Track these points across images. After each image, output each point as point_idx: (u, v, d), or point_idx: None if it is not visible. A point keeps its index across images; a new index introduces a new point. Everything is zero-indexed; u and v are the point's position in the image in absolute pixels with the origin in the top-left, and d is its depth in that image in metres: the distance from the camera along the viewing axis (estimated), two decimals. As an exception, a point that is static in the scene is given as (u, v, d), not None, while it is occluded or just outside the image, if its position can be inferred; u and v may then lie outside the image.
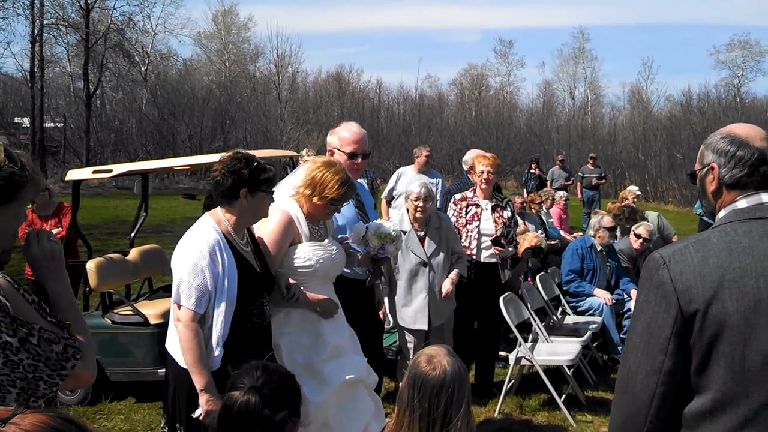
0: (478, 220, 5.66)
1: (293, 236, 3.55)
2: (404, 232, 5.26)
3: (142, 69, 34.65)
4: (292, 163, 7.21)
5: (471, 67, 51.78)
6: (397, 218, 5.48)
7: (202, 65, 41.17)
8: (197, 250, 3.07)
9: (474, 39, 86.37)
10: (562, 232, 10.18)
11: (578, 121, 44.30)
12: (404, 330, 5.29)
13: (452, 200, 5.86)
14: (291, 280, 3.50)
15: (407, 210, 5.35)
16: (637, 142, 34.56)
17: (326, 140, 4.31)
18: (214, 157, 6.42)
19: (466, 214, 5.70)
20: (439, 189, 8.09)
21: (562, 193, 12.88)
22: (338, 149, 4.15)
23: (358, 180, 4.45)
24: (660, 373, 1.79)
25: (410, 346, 5.26)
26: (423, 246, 5.25)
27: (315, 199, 3.51)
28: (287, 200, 3.62)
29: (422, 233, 5.29)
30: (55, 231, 6.49)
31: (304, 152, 8.52)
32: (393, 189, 8.37)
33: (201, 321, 3.07)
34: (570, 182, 17.49)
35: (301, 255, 3.53)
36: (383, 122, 38.94)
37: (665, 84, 67.50)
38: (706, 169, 1.94)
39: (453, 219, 5.65)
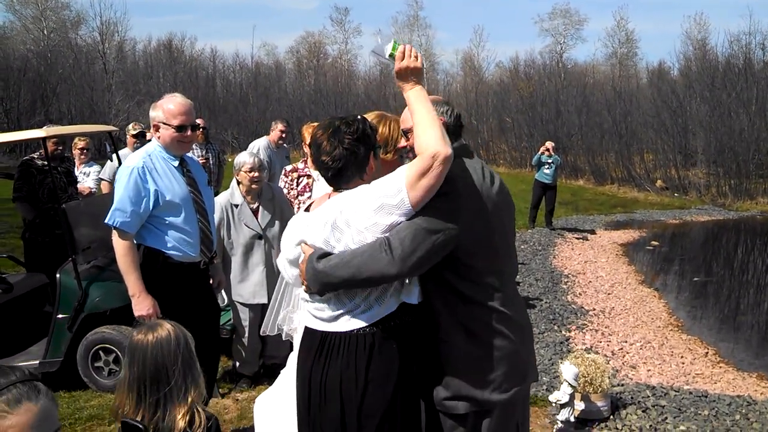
0: (310, 190, 5.60)
1: None
2: (236, 206, 5.13)
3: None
4: (111, 139, 6.74)
5: (308, 35, 51.72)
6: (229, 191, 5.31)
7: (17, 33, 38.15)
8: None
9: (310, 6, 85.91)
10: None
11: (414, 88, 45.32)
12: (240, 306, 5.18)
13: (283, 172, 5.76)
14: None
15: (238, 183, 5.20)
16: (470, 107, 35.90)
17: (150, 115, 4.05)
18: (32, 133, 5.89)
19: (297, 185, 5.62)
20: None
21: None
22: (164, 123, 3.92)
23: (189, 155, 4.26)
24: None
25: (245, 323, 5.17)
26: (257, 218, 5.15)
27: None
28: None
29: (255, 205, 5.18)
30: None
31: (130, 126, 8.06)
32: None
33: None
34: (407, 149, 17.85)
35: None
36: (219, 92, 37.94)
37: (495, 51, 70.63)
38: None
39: (285, 191, 5.56)
